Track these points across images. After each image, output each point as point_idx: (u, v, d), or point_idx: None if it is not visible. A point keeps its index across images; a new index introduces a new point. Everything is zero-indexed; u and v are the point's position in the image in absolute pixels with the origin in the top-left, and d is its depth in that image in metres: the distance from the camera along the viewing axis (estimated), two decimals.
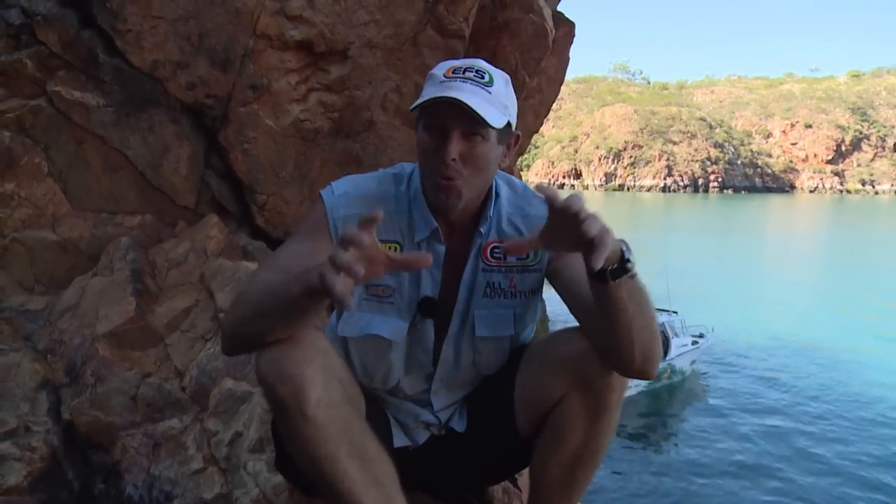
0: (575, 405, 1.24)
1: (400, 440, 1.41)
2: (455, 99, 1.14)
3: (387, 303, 1.31)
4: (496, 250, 1.31)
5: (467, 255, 1.31)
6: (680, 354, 18.65)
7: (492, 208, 1.31)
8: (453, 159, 1.17)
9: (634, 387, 17.57)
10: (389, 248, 1.27)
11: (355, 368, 1.35)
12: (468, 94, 1.15)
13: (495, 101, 1.19)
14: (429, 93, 1.18)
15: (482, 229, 1.30)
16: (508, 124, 1.22)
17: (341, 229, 1.25)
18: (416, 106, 1.18)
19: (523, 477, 1.63)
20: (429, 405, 1.40)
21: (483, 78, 1.20)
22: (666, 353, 18.56)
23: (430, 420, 1.41)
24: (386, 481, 1.14)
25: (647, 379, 1.18)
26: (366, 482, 1.11)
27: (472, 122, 1.16)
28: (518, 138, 1.31)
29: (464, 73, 1.19)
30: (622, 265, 1.06)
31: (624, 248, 1.07)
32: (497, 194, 1.33)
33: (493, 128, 1.17)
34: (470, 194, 1.23)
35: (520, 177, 4.92)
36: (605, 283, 1.06)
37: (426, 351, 1.35)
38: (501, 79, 1.24)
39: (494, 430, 1.36)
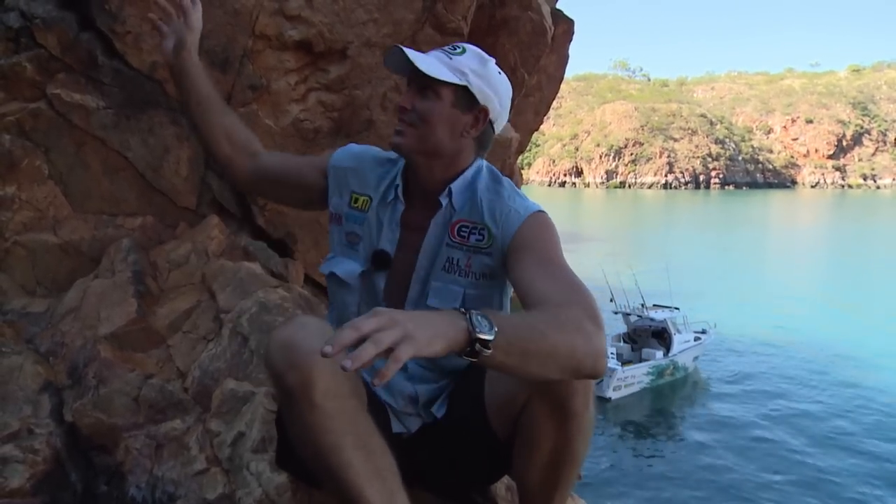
0: (539, 410, 1.22)
1: (395, 426, 1.43)
2: (399, 48, 1.29)
3: (354, 249, 1.43)
4: (463, 229, 1.37)
5: (429, 224, 1.38)
6: (682, 351, 18.68)
7: (456, 182, 1.38)
8: (404, 107, 1.33)
9: (637, 384, 17.61)
10: (363, 200, 1.44)
11: (334, 316, 1.47)
12: (421, 55, 1.30)
13: (451, 65, 1.31)
14: None
15: (441, 199, 1.38)
16: (467, 90, 1.32)
17: (331, 175, 1.49)
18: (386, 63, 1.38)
19: None
20: (405, 370, 1.39)
21: (455, 49, 1.34)
22: (668, 349, 18.60)
23: (408, 390, 1.41)
24: (388, 475, 1.14)
25: (597, 377, 1.09)
26: (369, 474, 1.11)
27: (421, 78, 1.30)
28: (486, 112, 1.36)
29: (442, 47, 1.37)
30: (472, 343, 0.94)
31: (471, 321, 0.95)
32: (476, 177, 1.40)
33: (435, 79, 1.29)
34: (416, 144, 1.34)
35: (521, 175, 4.92)
36: (477, 357, 0.95)
37: (378, 303, 1.38)
38: (476, 56, 1.35)
39: (469, 423, 1.37)
